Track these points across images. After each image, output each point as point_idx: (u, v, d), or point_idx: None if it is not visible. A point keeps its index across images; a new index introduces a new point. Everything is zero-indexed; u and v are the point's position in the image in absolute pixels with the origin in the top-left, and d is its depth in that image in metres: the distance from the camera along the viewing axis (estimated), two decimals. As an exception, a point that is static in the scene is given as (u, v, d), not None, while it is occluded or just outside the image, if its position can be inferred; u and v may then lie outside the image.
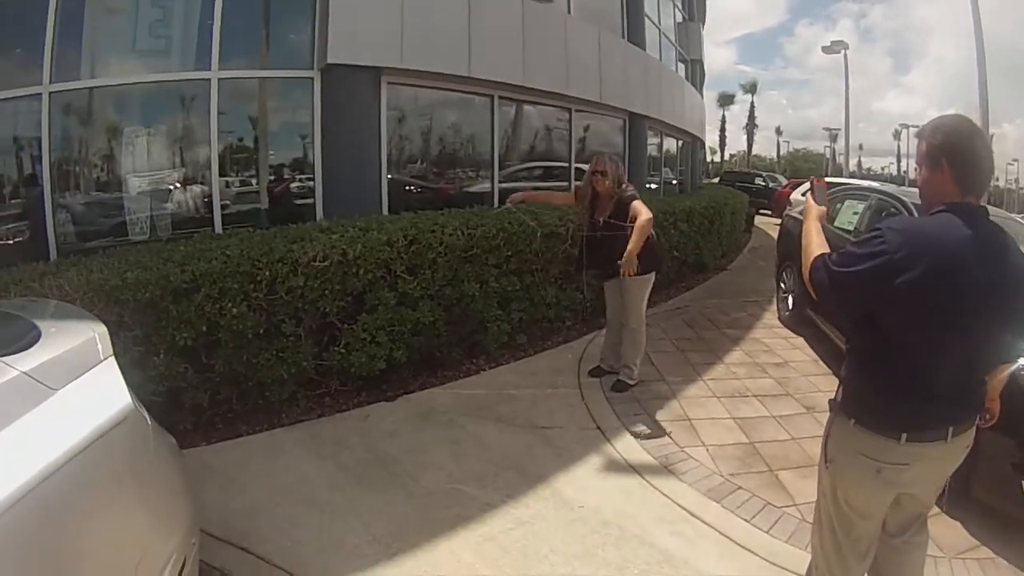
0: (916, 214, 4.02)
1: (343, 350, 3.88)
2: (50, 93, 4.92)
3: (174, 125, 5.61)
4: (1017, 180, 54.84)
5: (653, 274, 4.23)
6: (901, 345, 1.65)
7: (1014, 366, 2.01)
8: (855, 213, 5.20)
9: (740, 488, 3.13)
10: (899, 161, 62.96)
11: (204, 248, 3.66)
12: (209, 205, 5.50)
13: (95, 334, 1.89)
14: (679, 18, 14.38)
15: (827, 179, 13.42)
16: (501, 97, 7.44)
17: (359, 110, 5.81)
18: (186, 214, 5.57)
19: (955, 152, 1.66)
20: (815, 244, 1.86)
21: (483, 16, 6.60)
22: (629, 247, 3.76)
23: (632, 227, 3.82)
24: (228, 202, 5.73)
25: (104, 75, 5.21)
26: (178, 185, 5.59)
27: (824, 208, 2.07)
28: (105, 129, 5.44)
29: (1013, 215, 5.94)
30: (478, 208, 5.55)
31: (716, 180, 26.30)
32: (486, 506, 2.85)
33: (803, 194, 12.73)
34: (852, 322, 1.84)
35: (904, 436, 1.66)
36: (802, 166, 58.36)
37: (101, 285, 3.10)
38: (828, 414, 1.90)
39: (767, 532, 2.79)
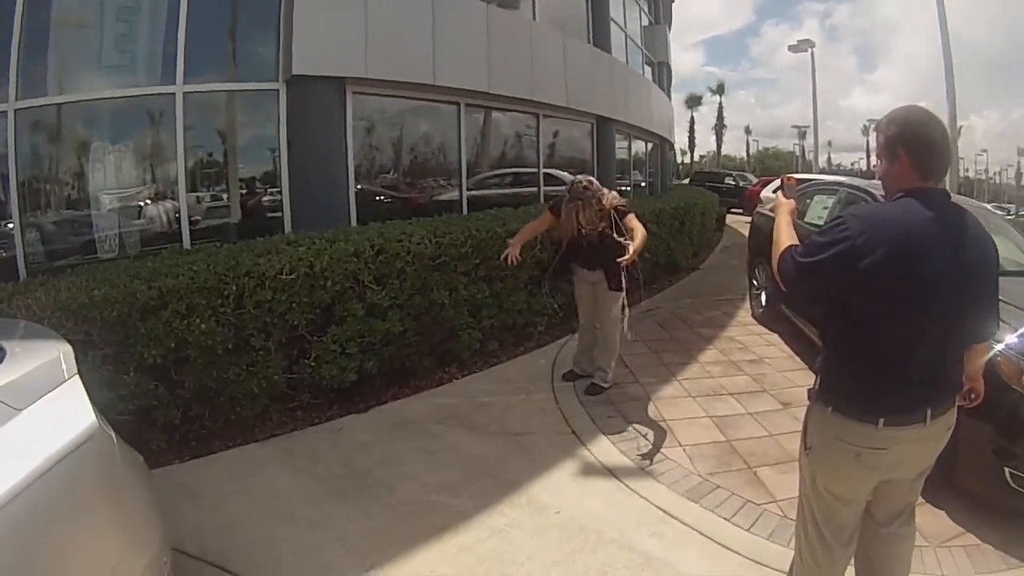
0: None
1: (313, 363, 3.90)
2: (15, 110, 4.88)
3: (141, 141, 5.58)
4: (987, 170, 56.81)
5: (623, 292, 4.21)
6: (871, 330, 1.70)
7: (991, 351, 2.08)
8: (824, 208, 5.35)
9: (719, 487, 3.17)
10: (868, 156, 64.35)
11: (171, 264, 3.67)
12: (178, 220, 5.47)
13: (60, 354, 1.90)
14: (645, 22, 14.61)
15: (796, 176, 13.72)
16: (468, 104, 7.48)
17: (325, 121, 5.82)
18: (155, 230, 5.53)
19: (911, 140, 1.72)
20: (784, 236, 1.93)
21: (447, 24, 6.64)
22: (632, 252, 3.71)
23: (627, 240, 3.83)
24: (197, 217, 5.71)
25: (70, 91, 5.18)
26: (147, 201, 5.56)
27: (794, 203, 2.14)
28: (72, 146, 5.39)
29: (984, 204, 6.15)
30: (445, 216, 5.59)
31: (686, 181, 26.71)
32: (461, 515, 2.88)
33: (774, 191, 13.05)
34: (823, 311, 1.91)
35: (882, 421, 1.70)
36: (772, 164, 59.59)
37: (68, 304, 3.10)
38: (806, 407, 1.96)
39: (748, 530, 2.82)
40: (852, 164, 70.25)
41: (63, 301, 3.11)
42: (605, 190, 4.11)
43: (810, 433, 1.91)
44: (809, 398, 1.93)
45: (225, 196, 6.03)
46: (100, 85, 5.22)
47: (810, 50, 22.08)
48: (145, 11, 5.36)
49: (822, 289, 1.82)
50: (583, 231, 4.08)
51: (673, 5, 17.67)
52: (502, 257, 4.17)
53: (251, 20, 5.75)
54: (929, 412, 1.72)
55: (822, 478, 1.88)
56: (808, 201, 5.98)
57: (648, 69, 14.59)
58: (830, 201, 5.33)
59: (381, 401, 4.18)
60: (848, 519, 1.90)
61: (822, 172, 19.11)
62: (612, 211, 4.01)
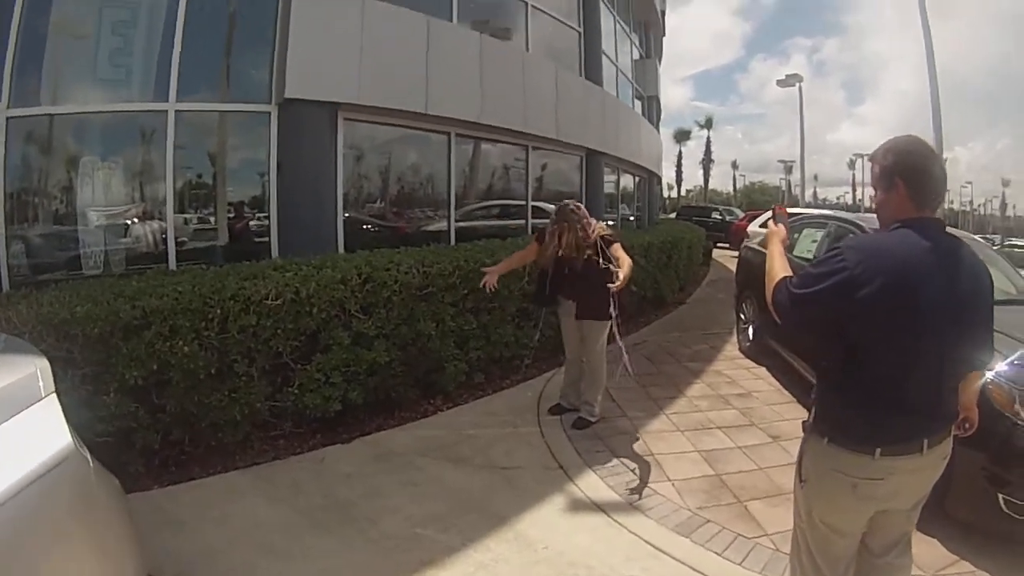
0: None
1: (297, 391, 3.84)
2: (8, 118, 4.87)
3: (131, 157, 5.58)
4: (971, 201, 58.13)
5: (609, 322, 4.21)
6: (867, 360, 1.70)
7: (983, 379, 2.11)
8: (813, 241, 5.40)
9: (709, 521, 3.13)
10: (854, 190, 65.99)
11: (156, 284, 3.63)
12: (164, 241, 5.44)
13: (37, 369, 1.84)
14: (636, 55, 14.94)
15: (799, 210, 13.91)
16: (458, 135, 7.56)
17: (316, 146, 5.85)
18: (141, 249, 5.50)
19: (907, 170, 1.75)
20: (778, 267, 1.92)
21: (441, 53, 6.75)
22: (621, 278, 3.70)
23: (614, 268, 3.83)
24: (184, 238, 5.69)
25: (63, 102, 5.18)
26: (134, 220, 5.53)
27: (784, 231, 2.16)
28: (62, 159, 5.40)
29: (973, 235, 6.23)
30: (433, 246, 5.59)
31: (673, 215, 27.04)
32: (447, 550, 2.81)
33: (761, 225, 13.22)
34: (817, 342, 1.92)
35: (878, 451, 1.70)
36: (758, 199, 60.53)
37: (50, 319, 3.06)
38: (796, 442, 1.94)
39: (740, 564, 2.79)
40: (837, 198, 71.71)
41: (45, 316, 3.07)
42: (593, 219, 4.15)
43: (805, 465, 1.89)
44: (804, 430, 1.93)
45: (212, 218, 6.01)
46: (93, 98, 5.25)
47: (798, 84, 22.60)
48: (141, 26, 5.40)
49: (817, 320, 1.81)
50: (563, 255, 4.09)
51: (664, 40, 18.11)
52: (481, 284, 4.17)
53: (246, 41, 5.82)
54: (926, 442, 1.73)
55: (818, 510, 1.87)
56: (795, 235, 6.06)
57: (638, 103, 14.87)
58: (819, 235, 5.38)
59: (365, 432, 4.11)
60: (844, 551, 1.89)
61: (808, 206, 19.36)
62: (599, 240, 4.03)
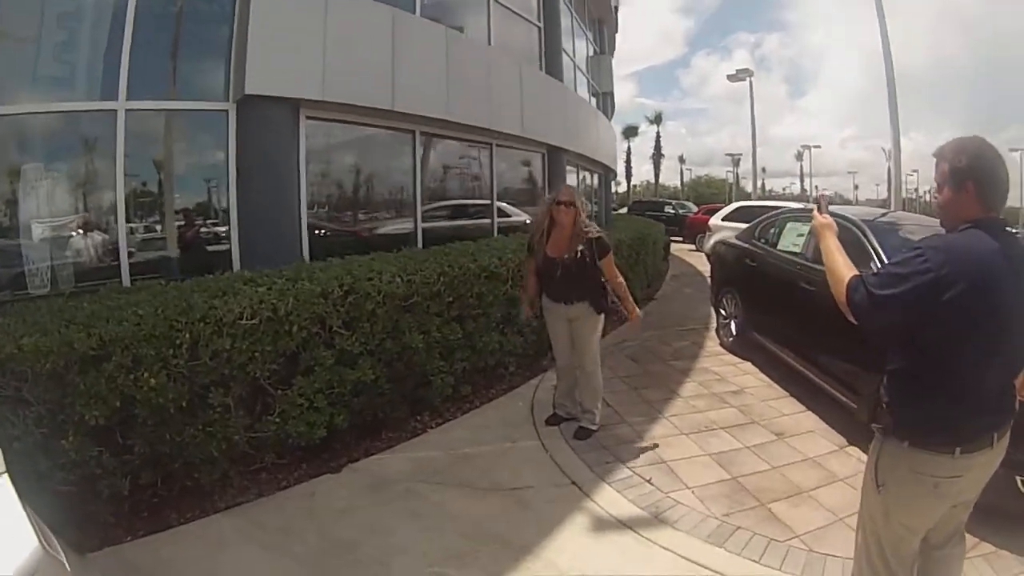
0: (868, 232, 4.20)
1: (278, 419, 3.48)
2: None
3: (76, 163, 5.06)
4: (916, 189, 61.16)
5: (602, 316, 4.18)
6: (945, 361, 1.74)
7: None
8: (799, 235, 5.35)
9: (740, 528, 3.06)
10: (801, 180, 68.19)
11: (112, 306, 3.20)
12: (115, 254, 4.96)
13: None
14: (591, 52, 14.95)
15: (759, 203, 14.10)
16: (423, 133, 7.30)
17: (277, 147, 5.49)
18: (90, 264, 5.00)
19: (981, 173, 1.76)
20: (842, 265, 1.91)
21: (407, 47, 6.48)
22: (630, 305, 4.07)
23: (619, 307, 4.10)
24: (137, 250, 5.19)
25: (1, 102, 4.62)
26: (82, 232, 5.02)
27: (833, 221, 2.12)
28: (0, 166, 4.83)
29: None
30: (409, 251, 5.31)
31: (623, 210, 27.32)
32: (475, 589, 2.57)
33: (722, 219, 13.38)
34: (891, 343, 1.90)
35: (958, 450, 1.75)
36: (705, 192, 61.95)
37: None
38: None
39: (780, 569, 2.76)
40: (784, 189, 74.08)
41: (-13, 350, 2.63)
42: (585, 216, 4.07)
43: (882, 469, 1.90)
44: (878, 433, 1.94)
45: (167, 227, 5.54)
46: (34, 98, 4.73)
47: (749, 79, 23.22)
48: (87, 19, 4.91)
49: (898, 320, 1.77)
50: (553, 254, 4.01)
51: (616, 36, 18.20)
52: (524, 318, 4.17)
53: (200, 36, 5.43)
54: (995, 436, 1.80)
55: (897, 512, 1.89)
56: (773, 230, 6.06)
57: (593, 100, 14.85)
58: (805, 228, 5.33)
59: (353, 458, 3.79)
60: (913, 548, 1.95)
61: (760, 198, 19.86)
62: (594, 241, 3.94)
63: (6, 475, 1.44)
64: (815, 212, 2.17)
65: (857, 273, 1.84)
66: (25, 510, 1.39)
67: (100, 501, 2.89)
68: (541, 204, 4.20)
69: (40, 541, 1.31)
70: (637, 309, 4.05)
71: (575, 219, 3.96)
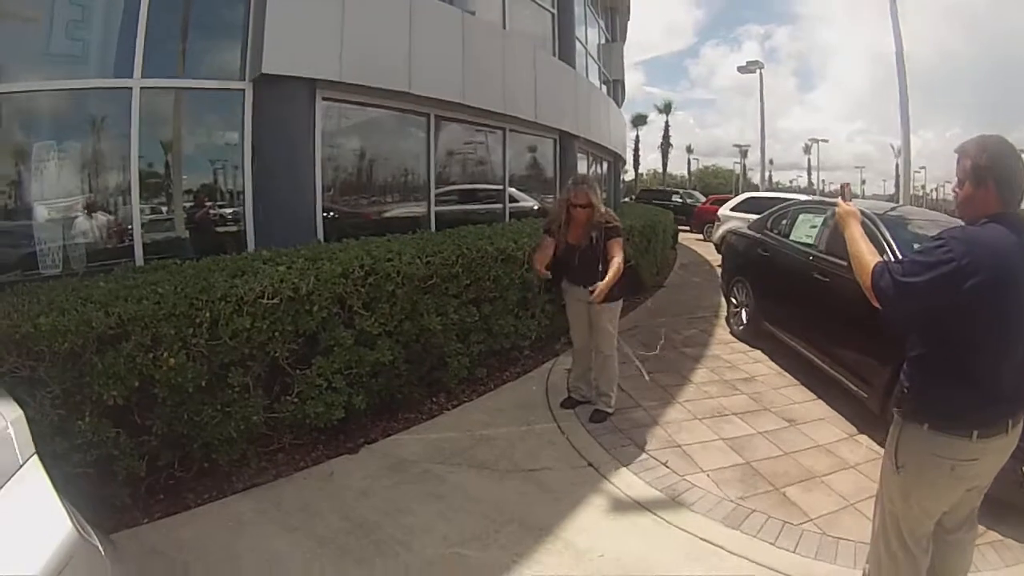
0: (880, 224, 4.17)
1: (296, 399, 3.47)
2: None
3: (90, 142, 4.98)
4: (924, 186, 60.82)
5: (620, 300, 4.18)
6: (965, 348, 1.81)
7: None
8: (812, 227, 5.31)
9: (755, 511, 3.08)
10: (809, 173, 67.88)
11: (129, 285, 3.17)
12: (128, 233, 4.92)
13: (8, 425, 1.40)
14: (602, 39, 14.82)
15: (767, 194, 14.03)
16: (438, 116, 7.25)
17: (293, 127, 5.46)
18: (103, 244, 4.94)
19: (1001, 170, 1.84)
20: (866, 251, 1.98)
21: (424, 31, 6.43)
22: (602, 284, 3.72)
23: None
24: (150, 230, 5.15)
25: (11, 80, 4.55)
26: (95, 211, 4.96)
27: (857, 210, 2.19)
28: (10, 145, 4.75)
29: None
30: (425, 232, 5.29)
31: (631, 198, 27.19)
32: (496, 569, 2.57)
33: (731, 209, 13.30)
34: (914, 331, 1.97)
35: (975, 433, 1.82)
36: (711, 182, 61.45)
37: (9, 334, 2.59)
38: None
39: (795, 552, 2.79)
40: (791, 181, 73.61)
41: (3, 330, 2.61)
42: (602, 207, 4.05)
43: (901, 451, 1.97)
44: (898, 417, 2.00)
45: (181, 206, 5.50)
46: (46, 76, 4.67)
47: (759, 71, 22.97)
48: None
49: (922, 308, 1.86)
50: (571, 240, 3.99)
51: (628, 23, 18.04)
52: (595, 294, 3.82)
53: (217, 14, 5.37)
54: (1010, 422, 1.86)
55: (916, 494, 1.96)
56: (784, 222, 6.03)
57: (604, 87, 14.73)
58: (818, 220, 5.30)
59: (370, 439, 3.79)
60: (930, 530, 2.03)
61: (768, 190, 19.69)
62: (603, 226, 3.93)
63: (36, 456, 1.39)
64: (839, 200, 2.25)
65: (881, 260, 1.91)
66: (57, 492, 1.35)
67: (117, 483, 2.86)
68: (560, 196, 4.15)
69: (74, 525, 1.28)
70: (601, 290, 3.72)
71: (591, 214, 3.94)
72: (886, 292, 1.84)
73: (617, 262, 3.81)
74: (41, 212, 4.75)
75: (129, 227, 4.94)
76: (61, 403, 2.71)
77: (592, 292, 3.74)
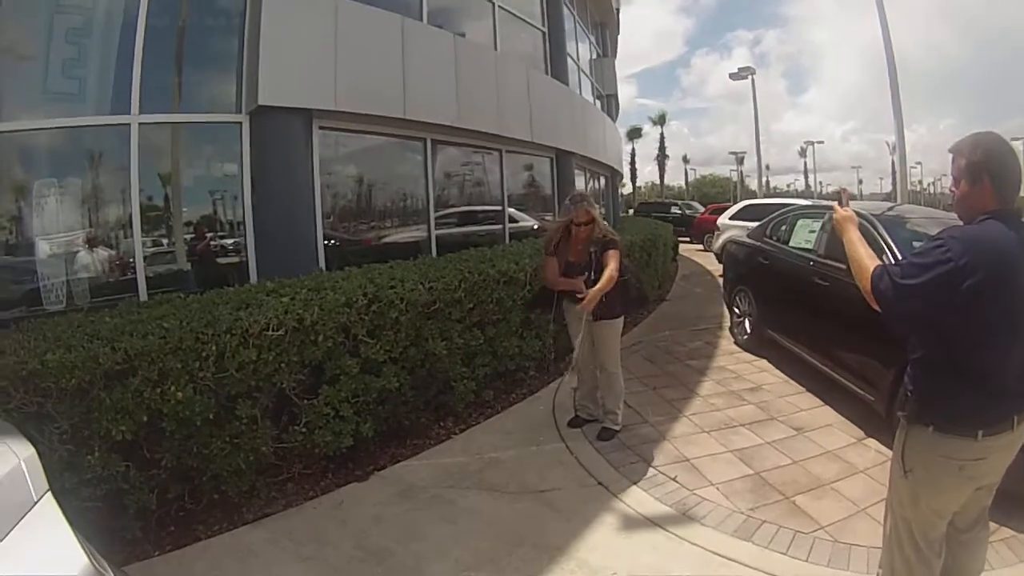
0: (879, 227, 4.19)
1: (304, 429, 3.49)
2: None
3: (90, 177, 5.07)
4: (920, 181, 60.88)
5: (622, 317, 4.23)
6: (967, 348, 1.81)
7: None
8: (811, 232, 5.34)
9: (765, 522, 3.09)
10: (806, 176, 67.88)
11: (135, 320, 3.21)
12: (131, 267, 4.98)
13: (21, 463, 1.40)
14: (594, 55, 14.98)
15: (766, 201, 14.08)
16: (434, 140, 7.33)
17: (291, 157, 5.53)
18: (105, 278, 5.01)
19: (996, 167, 1.84)
20: (865, 256, 1.99)
21: (416, 55, 6.52)
22: (592, 291, 3.77)
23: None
24: (153, 263, 5.21)
25: (10, 119, 4.64)
26: (97, 247, 5.03)
27: (854, 215, 2.21)
28: (11, 182, 4.83)
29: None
30: (428, 258, 5.34)
31: (630, 212, 27.29)
32: (511, 592, 2.58)
33: (729, 219, 13.35)
34: (916, 333, 1.97)
35: (980, 432, 1.82)
36: (709, 191, 61.66)
37: (16, 370, 2.62)
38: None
39: (807, 561, 2.79)
40: (788, 185, 73.80)
41: (9, 367, 2.63)
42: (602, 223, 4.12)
43: (908, 455, 1.97)
44: (903, 420, 2.00)
45: (182, 239, 5.56)
46: (44, 114, 4.76)
47: (750, 76, 23.20)
48: (97, 33, 4.94)
49: (921, 309, 1.84)
50: (572, 258, 4.05)
51: (619, 37, 18.22)
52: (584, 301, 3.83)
53: (211, 49, 5.47)
54: (1015, 419, 1.86)
55: (926, 496, 1.96)
56: (784, 228, 6.06)
57: (597, 102, 14.87)
58: (816, 225, 5.34)
59: (379, 465, 3.81)
60: (941, 532, 2.02)
61: (766, 196, 19.79)
62: (601, 240, 3.99)
63: (49, 493, 1.41)
64: (836, 206, 2.27)
65: (880, 263, 1.93)
66: (72, 528, 1.36)
67: (127, 516, 2.89)
68: (562, 213, 4.18)
69: (90, 560, 1.30)
70: (590, 297, 3.75)
71: (591, 232, 4.02)
72: (885, 295, 1.85)
73: (609, 271, 3.83)
74: (43, 248, 4.81)
75: (131, 260, 5.00)
76: (69, 438, 2.73)
77: (583, 299, 3.78)
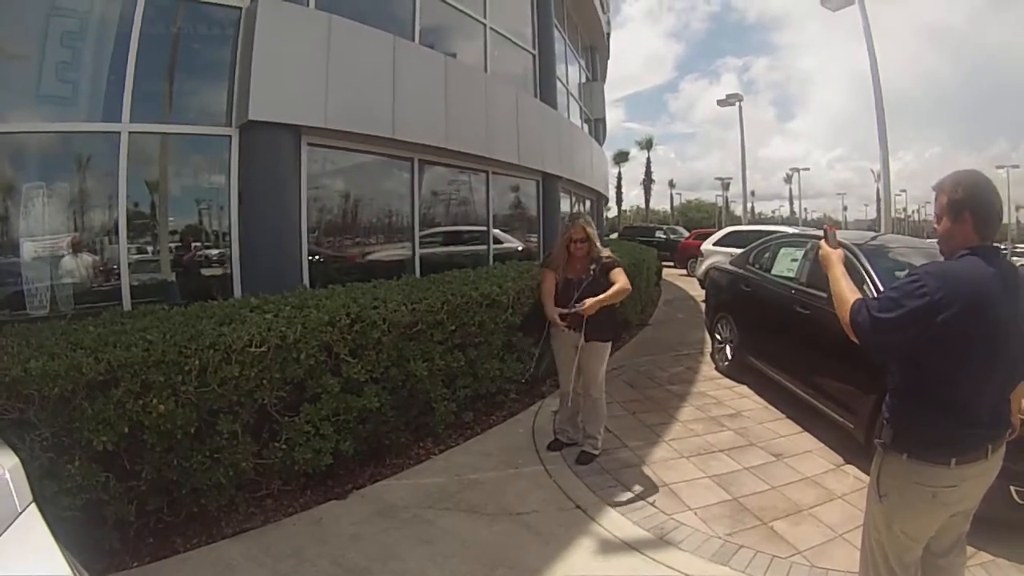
0: (861, 256, 4.36)
1: (284, 445, 3.53)
2: None
3: (77, 183, 5.12)
4: (905, 208, 61.93)
5: (611, 343, 4.31)
6: (943, 379, 1.88)
7: None
8: (793, 260, 5.50)
9: (743, 547, 3.16)
10: (791, 203, 68.98)
11: (118, 331, 3.25)
12: (115, 275, 5.00)
13: (6, 473, 1.42)
14: (583, 78, 15.26)
15: (750, 227, 14.22)
16: (422, 160, 7.44)
17: (279, 172, 5.60)
18: (89, 286, 5.03)
19: (976, 204, 1.93)
20: (847, 290, 2.08)
21: (407, 76, 6.65)
22: (598, 297, 3.87)
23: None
24: (137, 273, 5.24)
25: (2, 121, 4.69)
26: (83, 253, 5.06)
27: (842, 252, 2.29)
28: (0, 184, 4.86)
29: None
30: (411, 278, 5.41)
31: (614, 235, 27.51)
32: (488, 614, 2.63)
33: (713, 244, 13.56)
34: (892, 363, 2.06)
35: (953, 460, 1.89)
36: (695, 216, 62.39)
37: None
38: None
39: None
40: (773, 212, 74.80)
41: (-9, 372, 2.66)
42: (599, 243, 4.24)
43: (884, 481, 2.04)
44: (879, 447, 2.07)
45: (167, 250, 5.60)
46: (35, 117, 4.81)
47: (739, 103, 23.64)
48: (91, 41, 5.00)
49: (897, 342, 1.91)
50: (570, 276, 4.14)
51: (608, 61, 18.57)
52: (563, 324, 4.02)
53: (204, 62, 5.54)
54: (989, 447, 1.94)
55: (899, 522, 2.02)
56: (767, 255, 6.22)
57: (586, 126, 15.12)
58: (799, 253, 5.50)
59: (358, 484, 3.84)
60: (916, 556, 2.08)
61: (751, 222, 20.13)
62: (599, 262, 4.08)
63: (34, 504, 1.43)
64: (823, 243, 2.36)
65: (860, 296, 2.01)
66: (56, 540, 1.38)
67: (106, 527, 2.91)
68: (561, 232, 4.32)
69: (73, 571, 1.32)
70: (591, 304, 3.85)
71: (590, 249, 4.12)
72: (863, 327, 1.92)
73: (621, 283, 3.97)
74: (29, 251, 4.82)
75: (116, 268, 5.03)
76: (50, 446, 2.75)
77: (580, 319, 3.88)
